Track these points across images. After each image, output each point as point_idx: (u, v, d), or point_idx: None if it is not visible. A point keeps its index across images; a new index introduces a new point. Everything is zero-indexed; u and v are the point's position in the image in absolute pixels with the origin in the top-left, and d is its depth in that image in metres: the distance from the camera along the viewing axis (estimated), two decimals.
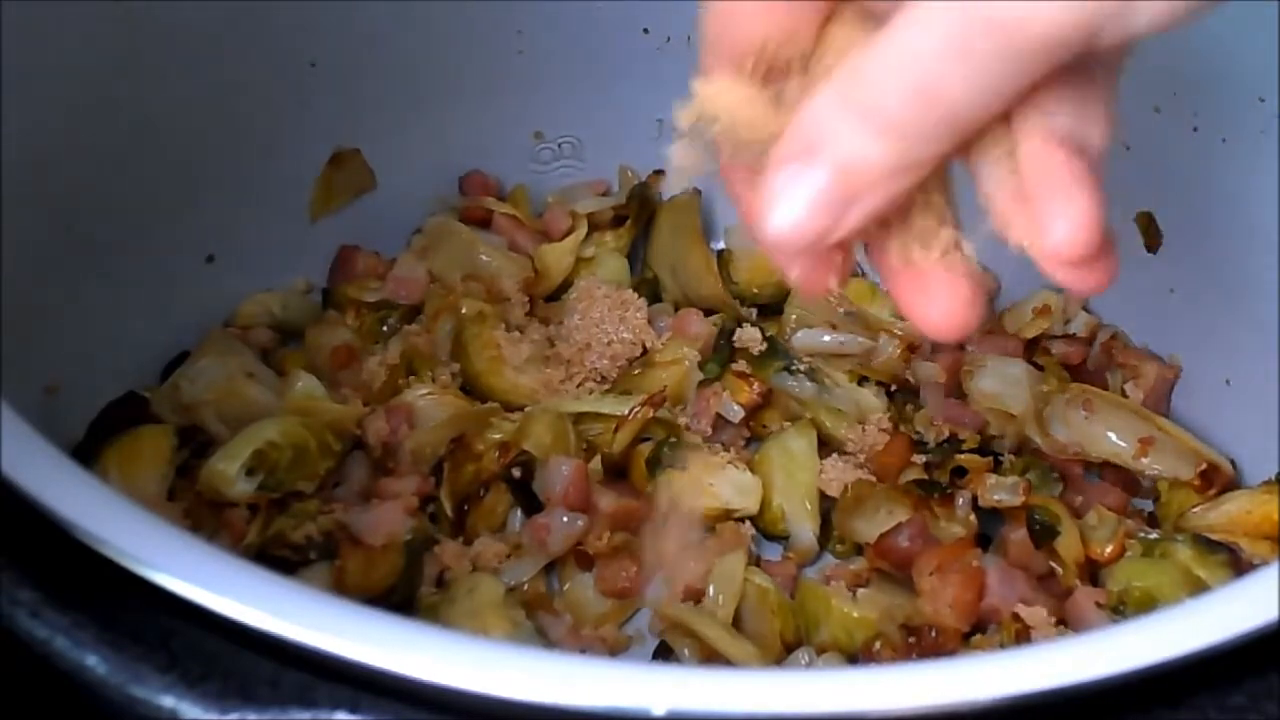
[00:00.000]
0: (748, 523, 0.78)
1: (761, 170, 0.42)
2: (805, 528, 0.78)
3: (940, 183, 0.42)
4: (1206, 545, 0.73)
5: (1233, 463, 0.78)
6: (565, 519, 0.74)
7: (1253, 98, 0.73)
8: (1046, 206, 0.39)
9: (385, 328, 0.84)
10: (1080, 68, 0.39)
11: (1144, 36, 0.38)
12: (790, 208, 0.40)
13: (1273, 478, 0.75)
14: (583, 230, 0.89)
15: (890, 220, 0.42)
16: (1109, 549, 0.75)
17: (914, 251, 0.43)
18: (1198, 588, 0.71)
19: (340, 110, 0.85)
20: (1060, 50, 0.37)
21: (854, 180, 0.40)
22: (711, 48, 0.44)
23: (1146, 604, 0.71)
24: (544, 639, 0.72)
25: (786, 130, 0.41)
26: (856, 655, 0.71)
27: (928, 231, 0.42)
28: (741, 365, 0.82)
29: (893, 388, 0.83)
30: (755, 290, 0.88)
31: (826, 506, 0.78)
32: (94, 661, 0.43)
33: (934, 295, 0.43)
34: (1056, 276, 0.40)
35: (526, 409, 0.79)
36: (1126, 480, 0.80)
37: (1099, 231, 0.39)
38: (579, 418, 0.79)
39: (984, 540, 0.76)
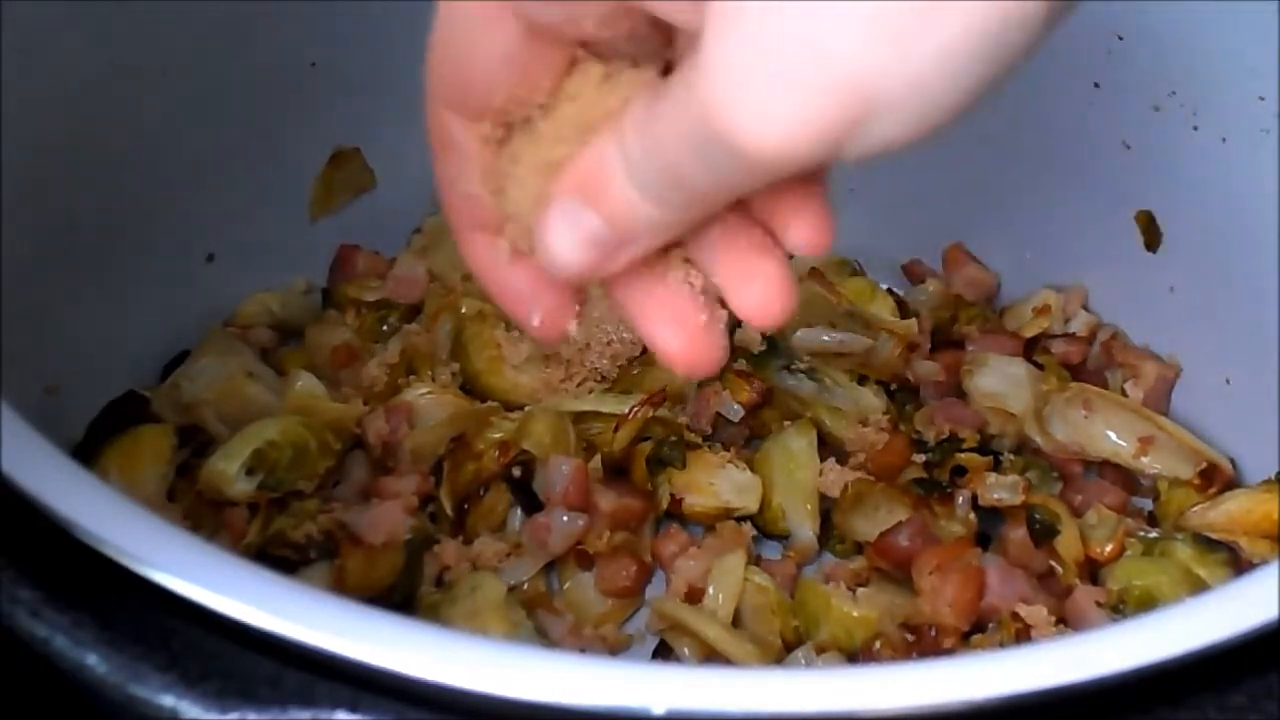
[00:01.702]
0: (748, 522, 0.78)
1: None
2: (805, 527, 0.77)
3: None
4: (1206, 544, 0.73)
5: (1233, 462, 0.78)
6: (565, 518, 0.74)
7: (1253, 97, 0.73)
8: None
9: (385, 327, 0.84)
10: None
11: (898, 151, 0.37)
12: (565, 243, 0.41)
13: (1273, 477, 0.75)
14: None
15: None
16: (1109, 548, 0.75)
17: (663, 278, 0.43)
18: (1197, 587, 0.71)
19: (340, 110, 0.85)
20: (794, 166, 0.36)
21: (625, 228, 0.41)
22: (442, 96, 0.44)
23: (1146, 603, 0.71)
24: (544, 639, 0.72)
25: (572, 161, 0.42)
26: (856, 655, 0.71)
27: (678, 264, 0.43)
28: (741, 364, 0.82)
29: (893, 387, 0.83)
30: None
31: (826, 506, 0.78)
32: (94, 661, 0.43)
33: (671, 324, 0.44)
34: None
35: (526, 408, 0.79)
36: (1126, 479, 0.80)
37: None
38: (579, 417, 0.79)
39: (984, 539, 0.76)
